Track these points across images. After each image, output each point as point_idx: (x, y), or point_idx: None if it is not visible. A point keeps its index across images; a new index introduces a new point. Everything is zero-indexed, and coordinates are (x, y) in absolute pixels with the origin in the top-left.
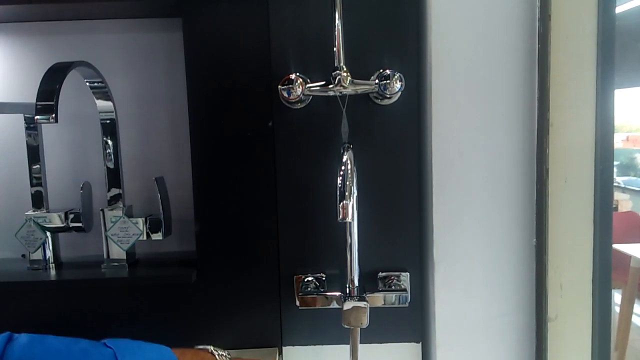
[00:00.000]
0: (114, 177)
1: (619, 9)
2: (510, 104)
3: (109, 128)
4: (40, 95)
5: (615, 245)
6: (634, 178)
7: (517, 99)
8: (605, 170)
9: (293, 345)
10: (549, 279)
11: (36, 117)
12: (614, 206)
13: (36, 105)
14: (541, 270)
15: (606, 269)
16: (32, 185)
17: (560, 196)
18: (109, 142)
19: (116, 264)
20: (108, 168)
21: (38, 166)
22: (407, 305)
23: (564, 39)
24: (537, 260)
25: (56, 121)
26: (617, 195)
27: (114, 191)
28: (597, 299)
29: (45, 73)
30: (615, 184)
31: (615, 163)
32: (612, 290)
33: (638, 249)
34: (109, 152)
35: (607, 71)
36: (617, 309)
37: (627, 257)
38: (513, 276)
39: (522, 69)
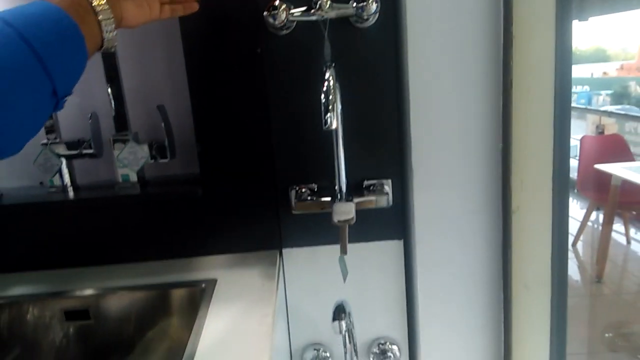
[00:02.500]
0: (119, 106)
1: None
2: (478, 23)
3: (111, 62)
4: None
5: (597, 166)
6: (628, 106)
7: (484, 18)
8: (564, 79)
9: (291, 247)
10: (512, 175)
11: None
12: (600, 131)
13: None
14: (506, 169)
15: (564, 167)
16: None
17: (523, 105)
18: (112, 74)
19: (128, 185)
20: (113, 98)
21: None
22: (390, 205)
23: None
24: (503, 162)
25: None
26: (604, 120)
27: (121, 119)
28: (557, 192)
29: None
30: (604, 110)
31: (609, 92)
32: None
33: (619, 169)
34: (112, 84)
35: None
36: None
37: (609, 177)
38: (482, 177)
39: None
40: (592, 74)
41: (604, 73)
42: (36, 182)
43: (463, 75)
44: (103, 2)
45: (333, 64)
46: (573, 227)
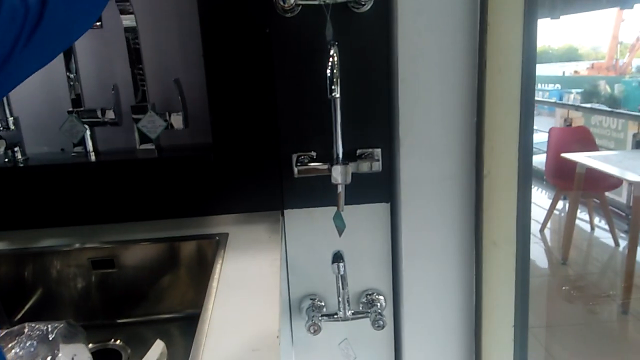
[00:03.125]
0: (139, 79)
1: None
2: (457, 15)
3: (132, 38)
4: None
5: (563, 155)
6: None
7: (462, 12)
8: (529, 62)
9: (292, 208)
10: (484, 145)
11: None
12: (567, 123)
13: None
14: (479, 139)
15: (528, 135)
16: (70, 86)
17: (495, 84)
18: (133, 48)
19: (147, 151)
20: (134, 72)
21: (74, 75)
22: (379, 171)
23: None
24: (477, 133)
25: (101, 27)
26: (572, 114)
27: (140, 89)
28: (521, 158)
29: None
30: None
31: (579, 90)
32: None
33: (583, 157)
34: (133, 58)
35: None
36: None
37: (574, 165)
38: (459, 146)
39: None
40: (563, 73)
41: (575, 72)
42: (57, 149)
43: (445, 57)
44: None
45: (336, 43)
46: (540, 214)
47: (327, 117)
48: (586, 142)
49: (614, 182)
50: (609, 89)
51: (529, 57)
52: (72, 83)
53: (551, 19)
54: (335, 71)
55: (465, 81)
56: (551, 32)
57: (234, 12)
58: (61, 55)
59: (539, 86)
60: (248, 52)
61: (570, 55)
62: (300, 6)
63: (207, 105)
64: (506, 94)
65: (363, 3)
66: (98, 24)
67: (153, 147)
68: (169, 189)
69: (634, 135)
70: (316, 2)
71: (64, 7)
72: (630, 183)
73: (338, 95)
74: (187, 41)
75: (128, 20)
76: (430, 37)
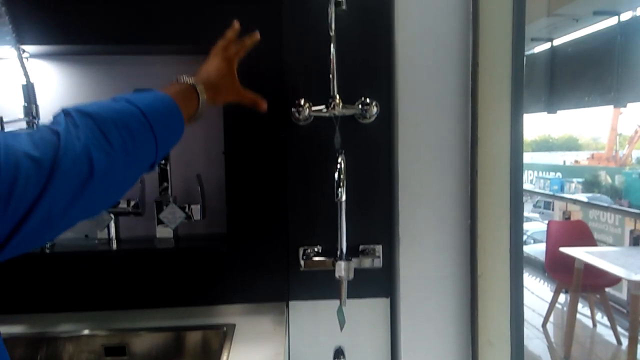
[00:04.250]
0: (163, 174)
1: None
2: (453, 126)
3: None
4: None
5: (563, 249)
6: (598, 194)
7: (457, 124)
8: (516, 173)
9: (297, 300)
10: (478, 247)
11: None
12: (566, 216)
13: None
14: (473, 241)
15: (518, 238)
16: None
17: (486, 191)
18: None
19: (165, 240)
20: (160, 168)
21: None
22: (380, 267)
23: (487, 80)
24: (471, 235)
25: None
26: (570, 207)
27: (164, 185)
28: (512, 259)
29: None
30: (571, 198)
31: (580, 180)
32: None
33: (582, 253)
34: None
35: (518, 103)
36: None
37: (573, 260)
38: (454, 246)
39: (460, 102)
40: (564, 162)
41: (576, 161)
42: (82, 235)
43: (441, 163)
44: (202, 91)
45: (343, 151)
46: (542, 307)
47: (332, 215)
48: (584, 236)
49: (614, 278)
50: (609, 180)
51: (516, 167)
52: None
53: (548, 113)
54: (342, 176)
55: (460, 186)
56: (551, 122)
57: (254, 118)
58: None
59: (540, 174)
60: (264, 153)
61: (571, 145)
62: (313, 117)
63: (224, 198)
64: (497, 198)
65: (368, 117)
66: None
67: (171, 236)
68: (182, 277)
69: (631, 232)
70: (327, 115)
71: (121, 169)
72: (629, 281)
73: (344, 199)
74: (210, 140)
75: None
76: (427, 145)
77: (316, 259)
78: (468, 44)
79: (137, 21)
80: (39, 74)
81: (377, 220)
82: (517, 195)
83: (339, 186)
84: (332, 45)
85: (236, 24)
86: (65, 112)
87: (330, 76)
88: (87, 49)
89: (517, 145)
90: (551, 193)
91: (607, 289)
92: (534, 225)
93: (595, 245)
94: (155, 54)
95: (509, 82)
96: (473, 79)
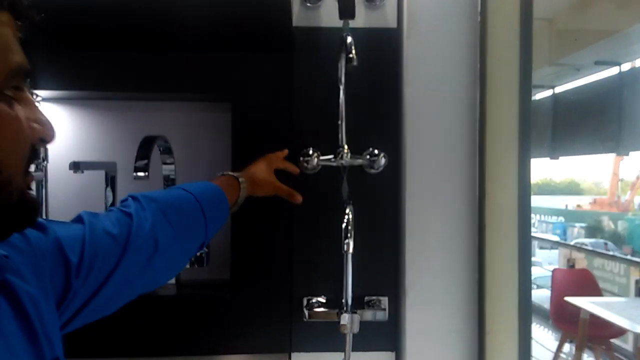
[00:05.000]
0: None
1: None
2: (461, 178)
3: (171, 183)
4: (138, 158)
5: (568, 299)
6: (602, 240)
7: (465, 175)
8: (524, 227)
9: (299, 352)
10: (486, 303)
11: (135, 174)
12: (570, 264)
13: (135, 165)
14: (481, 297)
15: (526, 294)
16: None
17: (494, 244)
18: None
19: (168, 286)
20: None
21: None
22: (386, 320)
23: (495, 134)
24: (479, 290)
25: (148, 178)
26: (574, 254)
27: None
28: (521, 318)
29: (141, 142)
30: (575, 244)
31: (582, 225)
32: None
33: (587, 303)
34: None
35: (525, 156)
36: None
37: (578, 309)
38: (462, 301)
39: (468, 154)
40: (566, 206)
41: (578, 206)
42: None
43: (448, 216)
44: (244, 182)
45: (351, 202)
46: (547, 357)
47: (338, 265)
48: (589, 285)
49: (620, 329)
50: (612, 226)
51: (524, 221)
52: None
53: (550, 159)
54: (349, 228)
55: (467, 239)
56: (553, 166)
57: None
58: (103, 198)
59: (543, 218)
60: (271, 201)
61: (572, 189)
62: (321, 166)
63: (228, 242)
64: (505, 254)
65: (376, 167)
66: (144, 174)
67: (174, 282)
68: (184, 325)
69: (637, 282)
70: (334, 164)
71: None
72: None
73: (351, 251)
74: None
75: (167, 171)
76: (435, 197)
77: (320, 309)
78: (475, 97)
79: (152, 70)
80: (50, 117)
81: (383, 271)
82: (525, 249)
83: (346, 237)
84: (341, 96)
85: (285, 151)
86: (133, 197)
87: (339, 126)
88: (100, 95)
89: (525, 199)
90: (555, 239)
91: (612, 340)
92: (537, 270)
93: (600, 294)
94: (166, 100)
95: (516, 135)
96: (480, 131)
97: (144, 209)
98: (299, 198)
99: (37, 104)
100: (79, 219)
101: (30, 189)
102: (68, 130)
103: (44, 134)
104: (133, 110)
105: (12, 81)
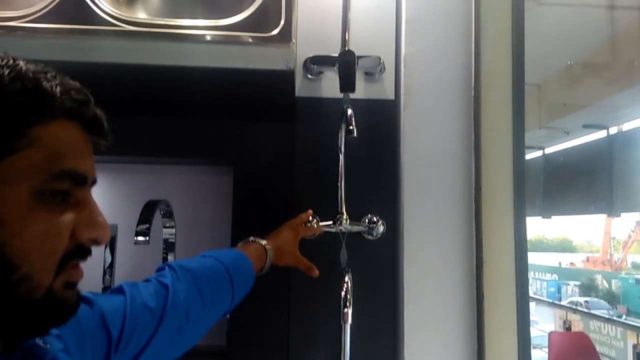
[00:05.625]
0: None
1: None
2: (458, 246)
3: (170, 247)
4: (140, 222)
5: None
6: (596, 299)
7: (462, 243)
8: (522, 295)
9: None
10: None
11: (135, 238)
12: (567, 326)
13: (136, 230)
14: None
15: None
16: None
17: (492, 312)
18: (169, 257)
19: None
20: None
21: (108, 277)
22: None
23: (490, 200)
24: (478, 359)
25: (148, 242)
26: (570, 316)
27: None
28: None
29: (144, 206)
30: (570, 305)
31: (577, 283)
32: None
33: None
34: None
35: (520, 199)
36: None
37: None
38: None
39: (465, 221)
40: (559, 263)
41: (571, 264)
42: None
43: (446, 285)
44: (271, 252)
45: (350, 270)
46: None
47: (336, 335)
48: (587, 350)
49: None
50: (606, 284)
51: (522, 293)
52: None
53: (543, 217)
54: (348, 296)
55: (466, 309)
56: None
57: (262, 228)
58: (102, 260)
59: (537, 275)
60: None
61: (565, 247)
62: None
63: None
64: (504, 324)
65: (375, 235)
66: (145, 239)
67: None
68: None
69: (634, 347)
70: (333, 230)
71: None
72: None
73: (350, 321)
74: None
75: (167, 234)
76: (433, 265)
77: None
78: (470, 164)
79: (158, 135)
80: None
81: (382, 340)
82: (524, 317)
83: (344, 306)
84: (341, 164)
85: (310, 211)
86: (169, 266)
87: (339, 192)
88: (105, 158)
89: (522, 264)
90: (550, 300)
91: None
92: (532, 331)
93: (598, 359)
94: (168, 163)
95: (511, 200)
96: (476, 198)
97: (179, 280)
98: (316, 272)
99: (96, 206)
100: (120, 290)
101: (70, 287)
102: None
103: (95, 235)
104: (136, 173)
105: (54, 184)
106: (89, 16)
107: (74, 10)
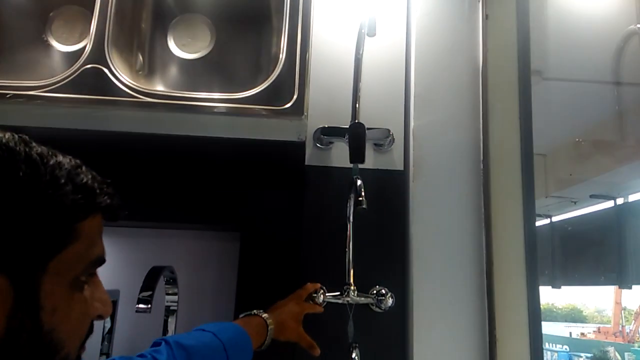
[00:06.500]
0: None
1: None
2: (470, 323)
3: (171, 313)
4: (143, 289)
5: None
6: None
7: (474, 320)
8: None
9: None
10: None
11: (137, 306)
12: None
13: (138, 297)
14: None
15: None
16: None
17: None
18: (170, 324)
19: None
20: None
21: (107, 343)
22: None
23: (503, 275)
24: None
25: (150, 311)
26: None
27: None
28: None
29: (148, 273)
30: None
31: (588, 355)
32: None
33: None
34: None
35: (532, 272)
36: None
37: None
38: None
39: (476, 296)
40: (570, 334)
41: (582, 334)
42: None
43: (457, 357)
44: (272, 327)
45: (357, 345)
46: None
47: None
48: None
49: None
50: (619, 357)
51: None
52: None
53: (552, 287)
54: None
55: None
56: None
57: (266, 300)
58: (99, 325)
59: (547, 345)
60: (273, 342)
61: (575, 316)
62: (326, 302)
63: None
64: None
65: (383, 308)
66: (147, 307)
67: None
68: None
69: None
70: (340, 301)
71: None
72: None
73: None
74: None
75: (170, 301)
76: (442, 341)
77: None
78: (481, 236)
79: (165, 200)
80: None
81: None
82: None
83: None
84: (349, 234)
85: (318, 285)
86: (166, 341)
87: (347, 263)
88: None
89: (537, 347)
90: None
91: None
92: None
93: None
94: (174, 228)
95: (523, 278)
96: (488, 273)
97: (174, 358)
98: (318, 351)
99: (100, 282)
100: None
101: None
102: None
103: (103, 311)
104: (141, 237)
105: (89, 270)
106: (108, 87)
107: (93, 82)
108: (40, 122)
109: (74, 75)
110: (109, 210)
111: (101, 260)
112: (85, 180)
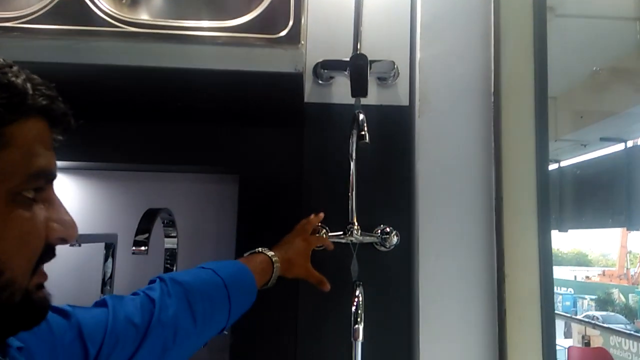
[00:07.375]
0: None
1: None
2: (479, 259)
3: (171, 258)
4: (139, 232)
5: None
6: (612, 313)
7: (481, 257)
8: (548, 310)
9: None
10: None
11: (133, 248)
12: (585, 341)
13: (134, 239)
14: None
15: None
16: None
17: (515, 329)
18: (173, 268)
19: None
20: None
21: (109, 287)
22: None
23: (512, 212)
24: None
25: (147, 253)
26: (589, 331)
27: None
28: None
29: (143, 215)
30: (588, 320)
31: (593, 297)
32: None
33: None
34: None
35: (544, 208)
36: None
37: None
38: None
39: (484, 232)
40: (575, 277)
41: (587, 277)
42: None
43: (465, 299)
44: (278, 264)
45: (361, 283)
46: None
47: (346, 354)
48: None
49: None
50: (623, 298)
51: (548, 312)
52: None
53: (559, 231)
54: (359, 312)
55: (486, 328)
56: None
57: (267, 241)
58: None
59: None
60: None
61: (580, 260)
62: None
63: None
64: (527, 342)
65: (387, 246)
66: (144, 249)
67: None
68: None
69: None
70: (344, 241)
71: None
72: None
73: (361, 338)
74: (221, 249)
75: (169, 244)
76: (450, 278)
77: None
78: (490, 174)
79: (162, 141)
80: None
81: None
82: (549, 341)
83: (355, 322)
84: (352, 171)
85: (321, 214)
86: (161, 279)
87: (350, 201)
88: (106, 165)
89: (547, 287)
90: (564, 313)
91: None
92: None
93: None
94: (171, 171)
95: (534, 210)
96: (497, 209)
97: (169, 294)
98: (328, 286)
99: (61, 203)
100: (103, 303)
101: (41, 287)
102: (72, 199)
103: (65, 234)
104: (138, 180)
105: (31, 184)
106: (89, 17)
107: (73, 11)
108: (17, 56)
109: (52, 5)
110: (48, 114)
111: (47, 174)
112: (13, 79)
